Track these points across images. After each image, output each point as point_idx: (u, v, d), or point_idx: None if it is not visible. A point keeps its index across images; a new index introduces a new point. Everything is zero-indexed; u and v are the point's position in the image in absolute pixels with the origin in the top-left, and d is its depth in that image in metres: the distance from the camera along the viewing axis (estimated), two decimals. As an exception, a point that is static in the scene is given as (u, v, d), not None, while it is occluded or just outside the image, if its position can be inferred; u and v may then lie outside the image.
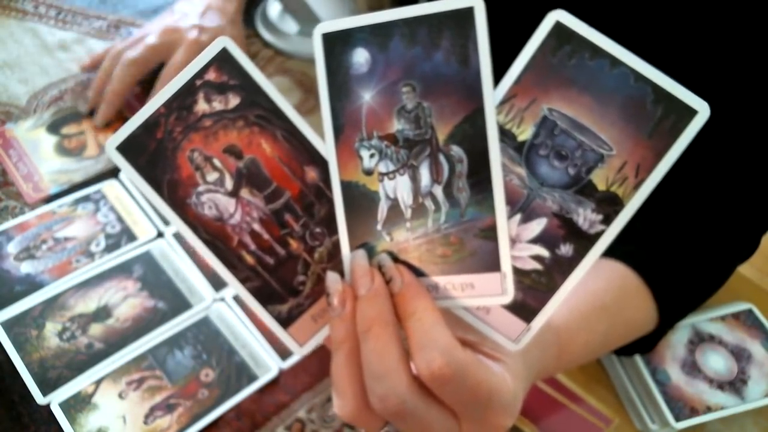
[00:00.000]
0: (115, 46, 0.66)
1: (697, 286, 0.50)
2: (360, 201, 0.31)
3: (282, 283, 0.31)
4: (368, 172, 0.31)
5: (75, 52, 0.71)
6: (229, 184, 0.30)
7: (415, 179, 0.31)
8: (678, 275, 0.49)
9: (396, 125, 0.30)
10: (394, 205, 0.31)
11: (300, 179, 0.31)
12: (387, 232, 0.31)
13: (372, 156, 0.31)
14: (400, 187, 0.31)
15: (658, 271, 0.48)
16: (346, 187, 0.31)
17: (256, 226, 0.31)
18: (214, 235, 0.30)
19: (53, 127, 0.63)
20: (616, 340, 0.47)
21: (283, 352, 0.50)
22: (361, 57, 0.30)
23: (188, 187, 0.30)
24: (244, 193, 0.30)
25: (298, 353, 0.32)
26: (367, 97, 0.30)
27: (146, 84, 0.65)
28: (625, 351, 0.51)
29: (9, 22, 0.73)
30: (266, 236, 0.31)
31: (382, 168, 0.31)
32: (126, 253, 0.54)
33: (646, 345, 0.50)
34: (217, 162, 0.30)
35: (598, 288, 0.47)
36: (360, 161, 0.31)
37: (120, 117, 0.64)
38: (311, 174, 0.31)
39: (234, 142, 0.30)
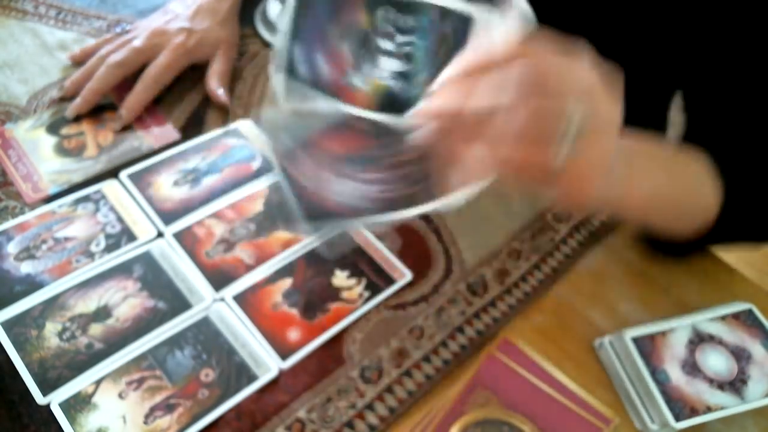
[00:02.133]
0: (103, 47, 0.67)
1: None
2: None
3: None
4: None
5: (75, 52, 0.71)
6: None
7: None
8: (753, 181, 0.50)
9: None
10: None
11: None
12: None
13: None
14: None
15: (733, 167, 0.49)
16: None
17: None
18: None
19: (53, 128, 0.63)
20: (675, 200, 0.47)
21: (283, 352, 0.50)
22: None
23: None
24: None
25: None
26: None
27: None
28: (671, 249, 0.57)
29: (9, 22, 0.73)
30: None
31: None
32: (126, 253, 0.54)
33: (692, 246, 0.54)
34: None
35: (669, 151, 0.49)
36: None
37: (91, 111, 0.65)
38: None
39: None
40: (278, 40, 0.37)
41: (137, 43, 0.65)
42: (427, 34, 0.36)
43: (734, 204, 0.50)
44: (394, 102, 0.38)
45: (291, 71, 0.39)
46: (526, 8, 0.35)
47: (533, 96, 0.32)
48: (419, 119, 0.33)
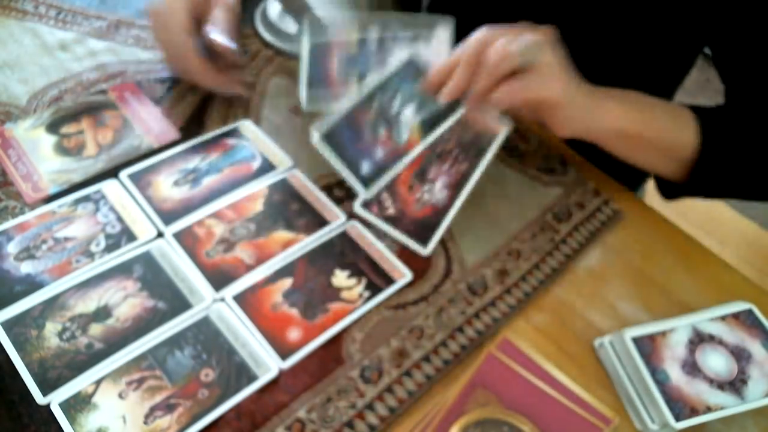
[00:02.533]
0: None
1: (746, 157, 0.60)
2: None
3: None
4: None
5: (75, 52, 0.71)
6: None
7: None
8: (732, 140, 0.59)
9: None
10: None
11: None
12: None
13: None
14: None
15: (715, 124, 0.59)
16: None
17: None
18: None
19: (52, 127, 0.63)
20: (652, 134, 0.58)
21: (283, 352, 0.50)
22: None
23: None
24: None
25: None
26: None
27: None
28: (665, 189, 0.65)
29: (9, 22, 0.73)
30: None
31: None
32: (126, 253, 0.54)
33: (678, 189, 0.63)
34: None
35: (647, 98, 0.60)
36: None
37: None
38: None
39: None
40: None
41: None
42: (403, 82, 0.57)
43: (710, 152, 0.58)
44: (431, 122, 0.57)
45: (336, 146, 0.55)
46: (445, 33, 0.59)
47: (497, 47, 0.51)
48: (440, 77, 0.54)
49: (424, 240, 0.56)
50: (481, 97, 0.53)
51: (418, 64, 0.57)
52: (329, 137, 0.55)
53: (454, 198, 0.57)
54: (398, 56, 0.58)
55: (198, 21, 0.62)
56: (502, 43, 0.51)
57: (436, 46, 0.59)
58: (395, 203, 0.57)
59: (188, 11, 0.61)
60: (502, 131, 0.57)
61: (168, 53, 0.65)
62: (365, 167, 0.56)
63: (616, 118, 0.57)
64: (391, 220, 0.57)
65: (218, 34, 0.62)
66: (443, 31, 0.60)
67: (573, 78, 0.54)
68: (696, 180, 0.61)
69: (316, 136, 0.55)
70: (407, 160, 0.56)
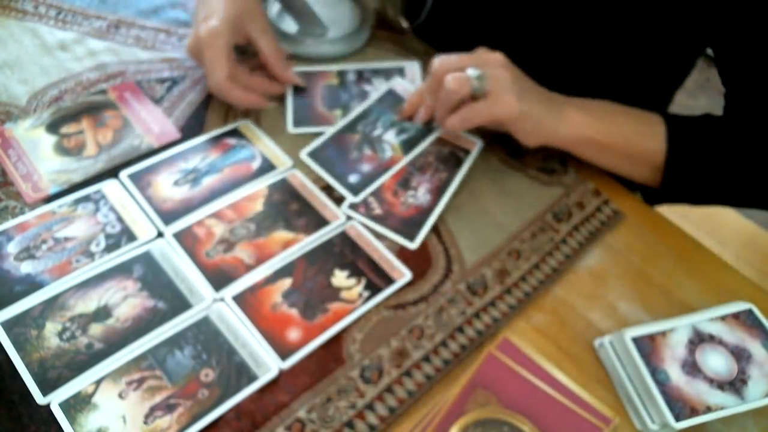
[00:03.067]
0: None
1: (717, 168, 0.60)
2: None
3: None
4: None
5: (75, 52, 0.71)
6: None
7: None
8: (700, 146, 0.60)
9: None
10: None
11: None
12: None
13: None
14: None
15: (684, 132, 0.60)
16: None
17: None
18: None
19: (52, 127, 0.63)
20: (616, 140, 0.60)
21: (283, 353, 0.50)
22: None
23: None
24: None
25: None
26: None
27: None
28: (647, 195, 0.68)
29: (9, 22, 0.73)
30: None
31: None
32: (126, 253, 0.54)
33: (656, 195, 0.64)
34: None
35: (613, 106, 0.62)
36: None
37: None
38: None
39: None
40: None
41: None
42: (383, 111, 0.67)
43: (677, 158, 0.60)
44: (410, 142, 0.64)
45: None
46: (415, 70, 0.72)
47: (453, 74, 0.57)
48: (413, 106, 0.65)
49: (411, 236, 0.57)
50: (442, 121, 0.59)
51: (396, 94, 0.67)
52: (316, 154, 0.63)
53: (437, 200, 0.60)
54: (379, 88, 0.68)
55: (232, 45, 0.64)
56: (454, 75, 0.56)
57: (410, 78, 0.70)
58: (382, 205, 0.59)
59: (228, 46, 0.63)
60: (475, 146, 0.64)
61: (206, 75, 0.64)
62: (353, 178, 0.61)
63: (577, 125, 0.60)
64: (379, 219, 0.58)
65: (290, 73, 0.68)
66: (414, 67, 0.72)
67: (526, 92, 0.58)
68: (669, 186, 0.62)
69: (303, 154, 0.63)
70: (393, 171, 0.62)
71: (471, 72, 0.56)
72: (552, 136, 0.60)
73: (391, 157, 0.63)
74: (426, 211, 0.59)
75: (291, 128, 0.65)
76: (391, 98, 0.67)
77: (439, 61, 0.59)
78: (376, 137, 0.64)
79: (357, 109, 0.66)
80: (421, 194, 0.60)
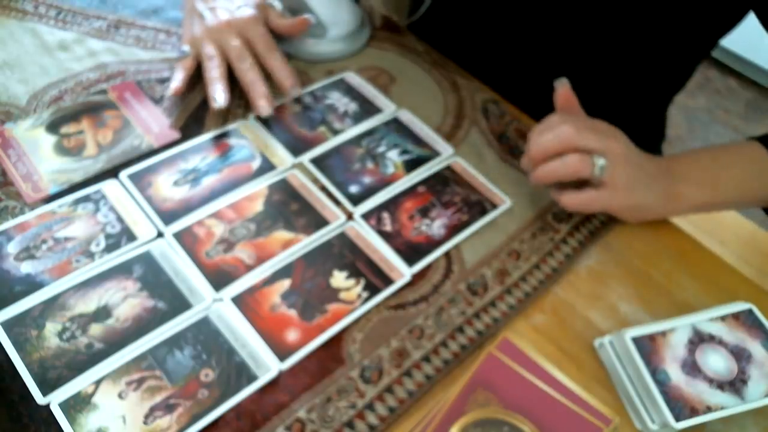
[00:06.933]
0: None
1: None
2: None
3: None
4: None
5: (75, 52, 0.71)
6: None
7: None
8: None
9: None
10: None
11: None
12: None
13: None
14: None
15: None
16: None
17: None
18: None
19: (52, 127, 0.63)
20: (733, 196, 0.59)
21: (282, 354, 0.50)
22: None
23: None
24: None
25: None
26: None
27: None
28: None
29: (9, 22, 0.73)
30: None
31: None
32: (126, 253, 0.54)
33: None
34: None
35: (716, 159, 0.61)
36: None
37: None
38: None
39: None
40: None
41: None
42: (389, 133, 0.67)
43: None
44: (412, 162, 0.65)
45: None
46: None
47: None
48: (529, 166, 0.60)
49: (411, 261, 0.56)
50: (555, 195, 0.58)
51: (400, 122, 0.68)
52: (318, 162, 0.63)
53: (449, 237, 0.58)
54: (340, 100, 0.69)
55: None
56: (582, 156, 0.54)
57: (355, 84, 0.71)
58: (394, 224, 0.59)
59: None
60: (503, 204, 0.62)
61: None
62: (353, 188, 0.61)
63: (692, 201, 0.59)
64: (385, 235, 0.58)
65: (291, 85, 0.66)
66: (352, 77, 0.72)
67: (640, 182, 0.57)
68: None
69: (305, 159, 0.63)
70: (395, 188, 0.62)
71: (597, 161, 0.54)
72: (659, 216, 0.61)
73: (393, 173, 0.63)
74: (435, 243, 0.58)
75: (290, 159, 0.63)
76: (396, 124, 0.67)
77: (573, 129, 0.55)
78: (380, 153, 0.64)
79: (364, 125, 0.67)
80: (436, 226, 0.59)
